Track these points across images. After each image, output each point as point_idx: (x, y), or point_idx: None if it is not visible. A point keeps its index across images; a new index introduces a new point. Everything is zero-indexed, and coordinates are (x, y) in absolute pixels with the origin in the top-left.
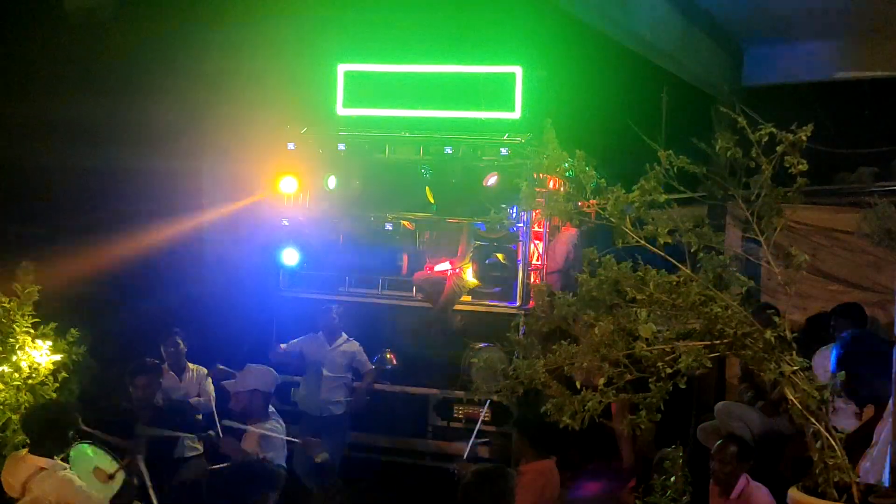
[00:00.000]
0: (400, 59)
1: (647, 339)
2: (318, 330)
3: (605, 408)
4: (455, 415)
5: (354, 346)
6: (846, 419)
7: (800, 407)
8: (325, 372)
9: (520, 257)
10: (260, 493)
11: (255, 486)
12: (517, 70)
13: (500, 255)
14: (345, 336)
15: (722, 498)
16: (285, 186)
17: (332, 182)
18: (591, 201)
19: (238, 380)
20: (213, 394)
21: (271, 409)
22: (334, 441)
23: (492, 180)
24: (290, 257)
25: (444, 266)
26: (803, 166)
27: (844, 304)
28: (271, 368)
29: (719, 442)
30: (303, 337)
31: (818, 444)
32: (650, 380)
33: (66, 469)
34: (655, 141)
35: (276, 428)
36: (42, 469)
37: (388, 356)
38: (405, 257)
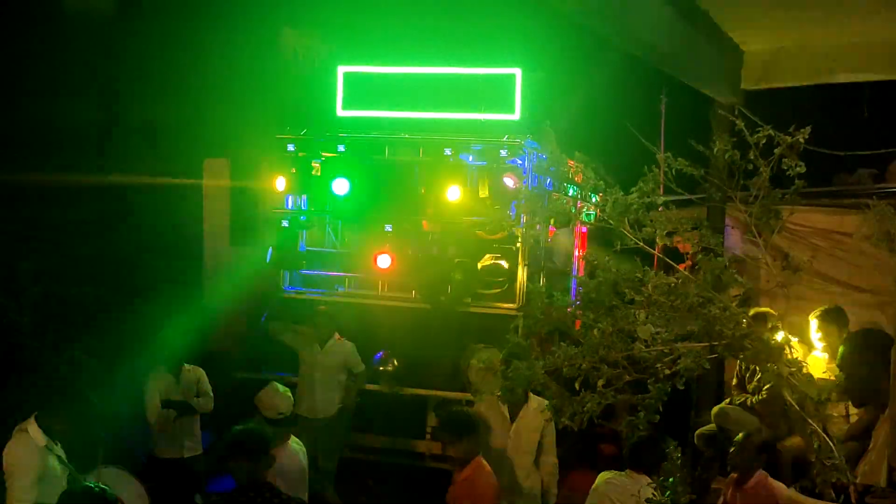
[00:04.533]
0: (400, 61)
1: (645, 341)
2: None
3: (604, 409)
4: None
5: (347, 346)
6: (833, 423)
7: (798, 408)
8: (317, 374)
9: (519, 258)
10: None
11: None
12: (517, 72)
13: (498, 257)
14: (337, 336)
15: (737, 488)
16: (280, 186)
17: (333, 184)
18: (590, 203)
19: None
20: (212, 394)
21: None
22: (332, 442)
23: (510, 182)
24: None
25: None
26: (801, 168)
27: (826, 308)
28: (285, 390)
29: (742, 433)
30: (300, 333)
31: (815, 445)
32: (649, 381)
33: (42, 444)
34: (654, 143)
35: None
36: (23, 431)
37: (388, 357)
38: (404, 257)
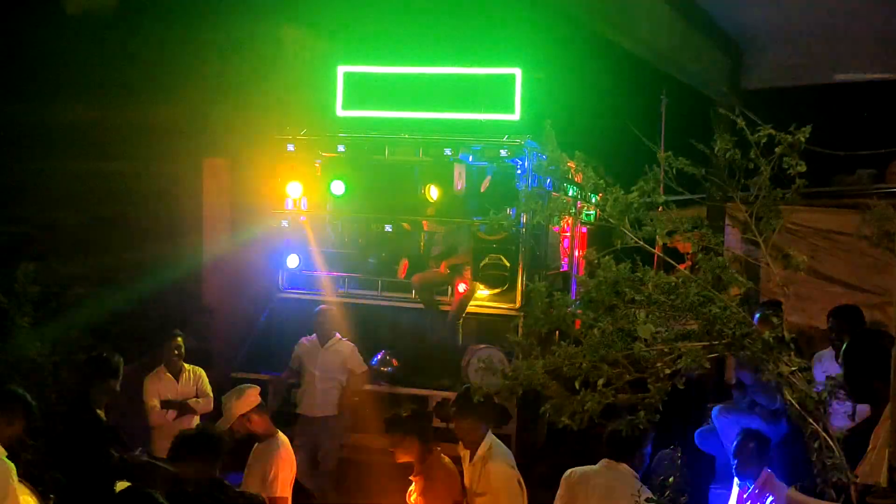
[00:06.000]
0: (400, 61)
1: (645, 340)
2: (312, 331)
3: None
4: None
5: (347, 346)
6: (839, 420)
7: (798, 408)
8: (317, 373)
9: (520, 258)
10: None
11: None
12: (517, 72)
13: (500, 257)
14: (338, 336)
15: (742, 490)
16: (292, 191)
17: (334, 186)
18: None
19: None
20: (212, 394)
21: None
22: (331, 442)
23: (484, 183)
24: (292, 262)
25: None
26: (802, 167)
27: (840, 306)
28: (251, 385)
29: (738, 439)
30: (298, 343)
31: (816, 445)
32: (649, 380)
33: (4, 455)
34: (655, 143)
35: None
36: None
37: (388, 358)
38: (404, 261)
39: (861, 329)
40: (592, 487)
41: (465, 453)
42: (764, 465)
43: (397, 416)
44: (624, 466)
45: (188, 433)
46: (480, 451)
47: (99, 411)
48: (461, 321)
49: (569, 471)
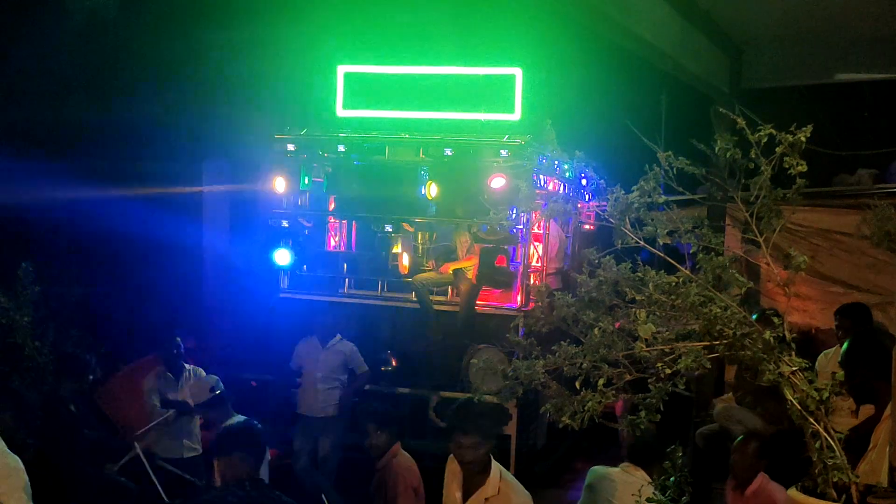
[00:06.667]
0: (400, 61)
1: (646, 340)
2: (313, 331)
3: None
4: None
5: (348, 346)
6: (842, 417)
7: (799, 407)
8: (317, 373)
9: (520, 259)
10: None
11: None
12: (517, 72)
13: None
14: (338, 337)
15: (736, 493)
16: (279, 186)
17: (321, 182)
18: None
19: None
20: None
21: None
22: (331, 442)
23: (498, 183)
24: (282, 258)
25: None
26: (802, 167)
27: (848, 304)
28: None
29: (740, 438)
30: (299, 343)
31: (817, 445)
32: (650, 380)
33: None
34: (655, 142)
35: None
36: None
37: (389, 357)
38: (405, 260)
39: (862, 329)
40: (605, 487)
41: (455, 468)
42: (761, 468)
43: (389, 406)
44: (641, 473)
45: (233, 426)
46: (492, 481)
47: (72, 408)
48: (471, 320)
49: (592, 468)
